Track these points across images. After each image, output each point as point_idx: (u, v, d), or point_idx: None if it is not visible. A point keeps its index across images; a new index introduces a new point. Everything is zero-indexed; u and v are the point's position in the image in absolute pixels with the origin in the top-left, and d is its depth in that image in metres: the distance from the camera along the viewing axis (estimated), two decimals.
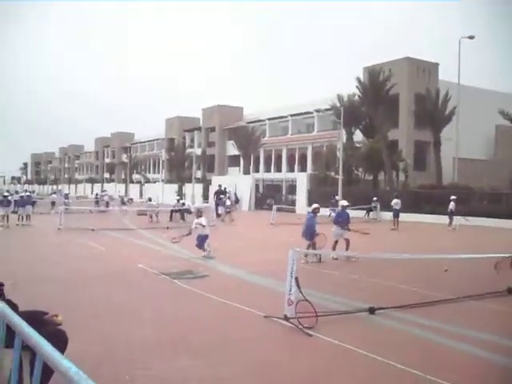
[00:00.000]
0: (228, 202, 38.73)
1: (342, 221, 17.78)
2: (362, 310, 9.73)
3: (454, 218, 32.35)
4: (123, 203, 49.03)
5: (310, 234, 16.75)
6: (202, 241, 17.16)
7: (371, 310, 9.66)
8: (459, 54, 47.80)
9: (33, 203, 36.30)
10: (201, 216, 17.70)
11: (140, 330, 8.46)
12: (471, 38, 47.57)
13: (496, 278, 13.49)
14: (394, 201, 33.45)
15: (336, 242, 17.35)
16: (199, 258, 16.83)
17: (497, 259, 13.56)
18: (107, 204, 47.30)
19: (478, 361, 7.29)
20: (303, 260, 15.80)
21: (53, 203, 44.91)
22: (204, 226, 17.29)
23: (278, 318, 8.85)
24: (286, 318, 8.65)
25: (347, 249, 17.02)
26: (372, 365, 6.96)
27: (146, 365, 6.80)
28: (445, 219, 32.78)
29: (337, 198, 43.01)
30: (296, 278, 8.63)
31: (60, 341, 5.14)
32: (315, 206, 17.81)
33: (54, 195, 54.15)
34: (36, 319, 4.99)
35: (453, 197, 32.87)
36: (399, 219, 32.49)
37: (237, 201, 55.00)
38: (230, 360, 7.11)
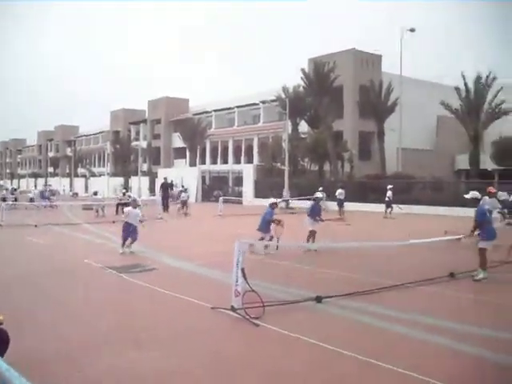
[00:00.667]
0: (183, 195, 37.67)
1: (314, 213, 18.08)
2: (308, 299, 9.86)
3: (393, 206, 33.15)
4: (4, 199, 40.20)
5: (265, 227, 16.97)
6: (129, 230, 16.75)
7: (318, 299, 9.79)
8: (401, 46, 48.72)
9: None
10: (137, 206, 17.41)
11: (87, 325, 8.40)
12: (412, 30, 48.57)
13: (439, 263, 13.93)
14: (339, 191, 33.96)
15: (312, 231, 17.57)
16: (145, 251, 16.71)
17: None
18: (32, 199, 44.14)
19: (421, 344, 7.50)
20: (263, 252, 16.03)
21: (3, 199, 41.09)
22: (137, 217, 16.96)
23: (225, 309, 8.89)
24: (233, 309, 8.71)
25: (313, 240, 17.27)
26: (319, 352, 7.08)
27: (94, 360, 6.77)
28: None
29: (284, 192, 43.46)
30: (242, 269, 8.68)
31: (1, 340, 5.07)
32: (273, 200, 18.20)
33: (4, 191, 51.92)
34: None
35: (389, 186, 33.71)
36: (344, 209, 32.99)
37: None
38: (179, 353, 7.13)
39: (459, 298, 10.65)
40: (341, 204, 33.21)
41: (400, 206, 33.58)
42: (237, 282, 8.71)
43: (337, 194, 33.93)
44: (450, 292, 11.03)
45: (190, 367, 6.58)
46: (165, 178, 44.03)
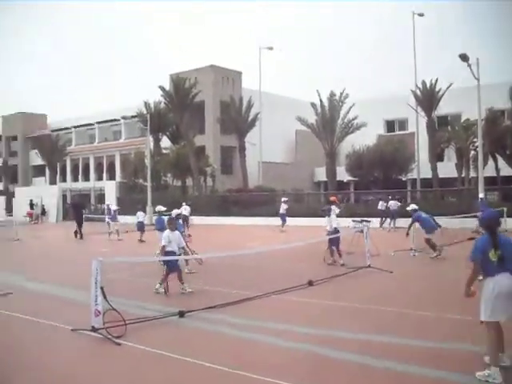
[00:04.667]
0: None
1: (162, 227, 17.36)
2: (171, 315, 9.90)
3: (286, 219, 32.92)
4: None
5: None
6: None
7: (181, 314, 9.86)
8: (260, 63, 50.25)
9: None
10: None
11: None
12: (270, 48, 50.35)
13: (299, 272, 14.50)
14: (184, 207, 32.81)
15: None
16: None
17: None
18: None
19: (281, 351, 7.78)
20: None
21: None
22: None
23: (85, 330, 8.72)
24: (94, 329, 8.56)
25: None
26: (183, 366, 7.13)
27: None
28: (249, 220, 33.89)
29: (147, 208, 42.93)
30: (102, 288, 8.57)
31: None
32: (180, 210, 17.18)
33: None
34: None
35: (284, 199, 33.78)
36: (189, 223, 31.97)
37: (43, 212, 53.06)
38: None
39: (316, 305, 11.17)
40: (185, 219, 32.55)
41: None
42: (96, 301, 8.59)
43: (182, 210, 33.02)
44: (307, 299, 11.52)
45: None
46: (74, 197, 33.43)
